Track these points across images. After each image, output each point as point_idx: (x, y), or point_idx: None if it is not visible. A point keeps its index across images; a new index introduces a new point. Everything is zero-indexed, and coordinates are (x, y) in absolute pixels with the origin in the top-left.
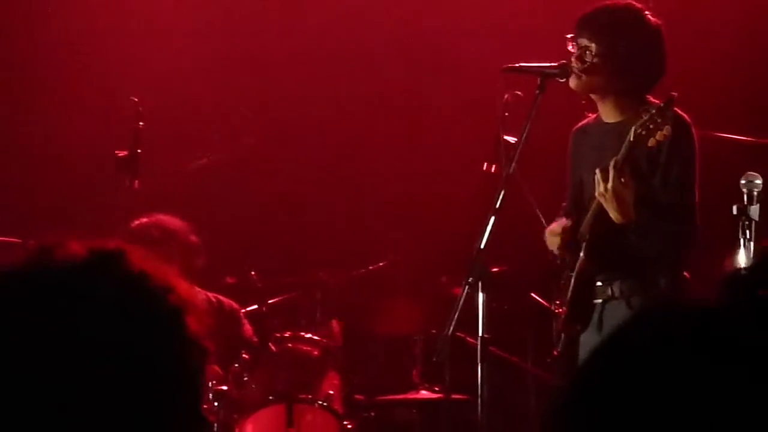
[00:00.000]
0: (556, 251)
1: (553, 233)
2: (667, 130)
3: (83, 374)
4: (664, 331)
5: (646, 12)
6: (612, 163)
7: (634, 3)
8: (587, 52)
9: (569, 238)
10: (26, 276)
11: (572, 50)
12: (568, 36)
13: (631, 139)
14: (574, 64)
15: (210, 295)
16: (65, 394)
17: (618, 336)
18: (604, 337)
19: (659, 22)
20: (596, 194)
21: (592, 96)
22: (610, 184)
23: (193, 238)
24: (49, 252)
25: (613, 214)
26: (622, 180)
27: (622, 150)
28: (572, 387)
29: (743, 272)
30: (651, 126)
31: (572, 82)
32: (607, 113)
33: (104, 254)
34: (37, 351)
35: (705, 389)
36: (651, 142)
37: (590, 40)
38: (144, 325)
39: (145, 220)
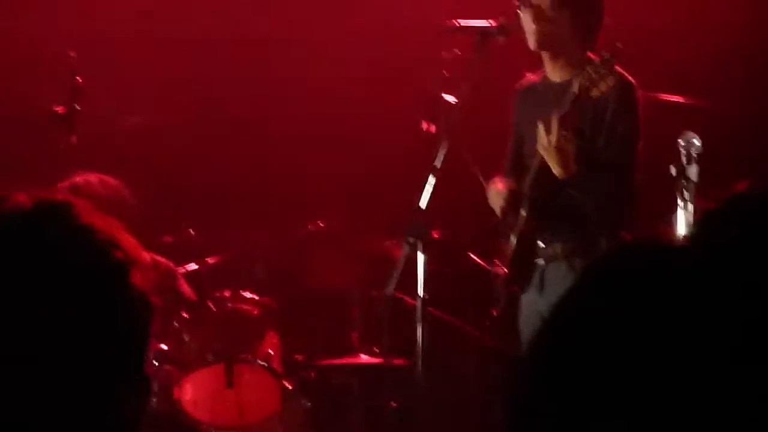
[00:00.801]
0: (498, 212)
1: (497, 193)
2: (610, 80)
3: (27, 327)
4: (644, 267)
5: None
6: (556, 117)
7: None
8: (542, 8)
9: (513, 200)
10: None
11: (523, 13)
12: (517, 3)
13: (575, 91)
14: (533, 24)
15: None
16: (8, 346)
17: (593, 275)
18: (576, 277)
19: None
20: (538, 147)
21: (545, 54)
22: (553, 137)
23: (129, 195)
24: None
25: (555, 168)
26: (565, 133)
27: (567, 104)
28: (548, 332)
29: (714, 212)
30: (595, 76)
31: (533, 40)
32: (556, 72)
33: (51, 206)
34: None
35: (687, 331)
36: (595, 93)
37: None
38: (89, 279)
39: (79, 177)
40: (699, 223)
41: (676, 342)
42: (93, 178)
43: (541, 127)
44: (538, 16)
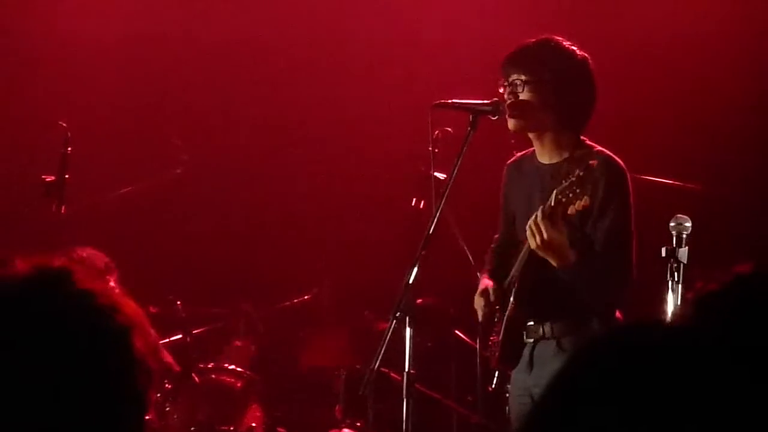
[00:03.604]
0: (480, 315)
1: (479, 294)
2: (586, 200)
3: (29, 393)
4: (639, 349)
5: (571, 45)
6: (539, 214)
7: (556, 37)
8: (518, 85)
9: (495, 299)
10: None
11: (504, 91)
12: (501, 80)
13: (552, 204)
14: (509, 101)
15: None
16: (11, 412)
17: (592, 351)
18: (576, 350)
19: (586, 55)
20: (532, 247)
21: (530, 135)
22: (544, 236)
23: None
24: None
25: (554, 262)
26: (553, 227)
27: (548, 203)
28: (542, 409)
29: (714, 295)
30: (570, 195)
31: (511, 123)
32: (544, 153)
33: (51, 272)
34: None
35: (678, 408)
36: (571, 210)
37: (520, 73)
38: (91, 344)
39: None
40: (699, 304)
41: (676, 425)
42: (83, 253)
43: (528, 230)
44: (515, 92)
